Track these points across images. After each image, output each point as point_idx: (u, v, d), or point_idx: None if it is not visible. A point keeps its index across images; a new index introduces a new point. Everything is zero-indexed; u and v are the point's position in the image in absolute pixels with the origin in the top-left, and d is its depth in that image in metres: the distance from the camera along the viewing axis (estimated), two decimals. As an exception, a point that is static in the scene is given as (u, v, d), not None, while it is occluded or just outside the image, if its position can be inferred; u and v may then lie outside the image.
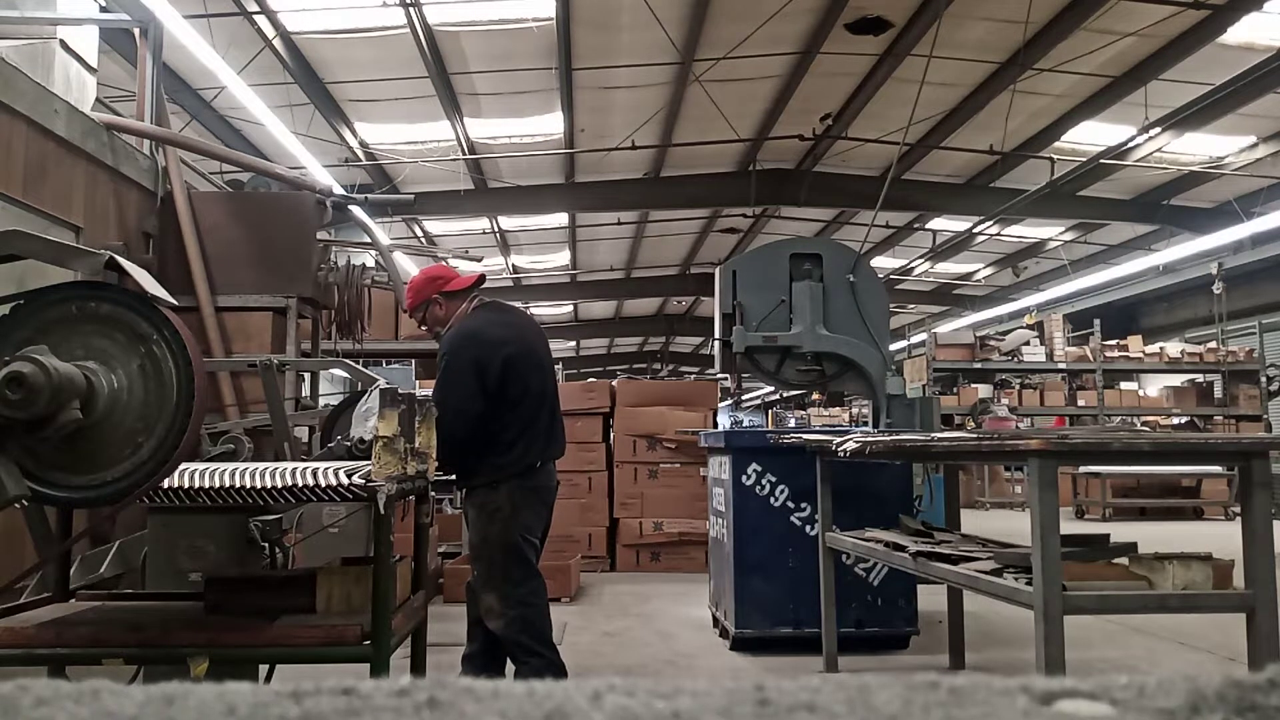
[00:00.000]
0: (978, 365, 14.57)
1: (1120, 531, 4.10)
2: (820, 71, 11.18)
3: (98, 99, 5.96)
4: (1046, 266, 20.33)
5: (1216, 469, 12.99)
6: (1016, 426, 11.73)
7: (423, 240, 17.44)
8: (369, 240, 7.36)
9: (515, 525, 3.67)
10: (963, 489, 6.80)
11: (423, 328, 4.06)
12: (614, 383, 9.27)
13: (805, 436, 4.94)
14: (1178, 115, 11.37)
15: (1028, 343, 14.84)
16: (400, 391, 2.84)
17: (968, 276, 21.79)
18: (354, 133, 12.34)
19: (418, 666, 3.47)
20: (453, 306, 3.90)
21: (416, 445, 2.95)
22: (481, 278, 4.04)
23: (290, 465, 2.89)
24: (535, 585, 3.71)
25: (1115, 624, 5.57)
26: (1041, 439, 3.01)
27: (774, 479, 4.97)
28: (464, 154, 12.99)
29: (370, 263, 6.80)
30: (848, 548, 4.40)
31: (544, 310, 23.79)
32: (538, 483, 3.76)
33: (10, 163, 4.56)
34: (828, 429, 6.70)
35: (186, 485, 2.63)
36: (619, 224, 17.16)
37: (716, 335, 5.57)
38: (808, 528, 4.91)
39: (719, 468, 5.37)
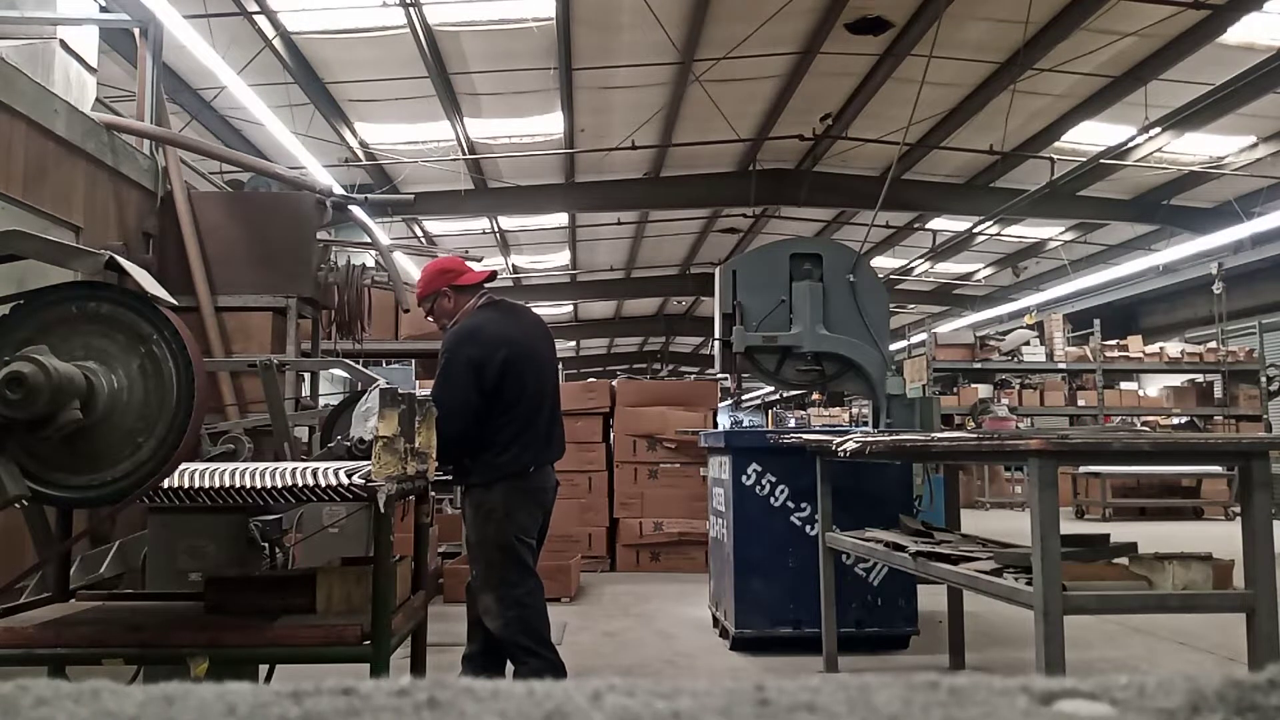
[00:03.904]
0: (978, 365, 14.57)
1: (1120, 531, 4.10)
2: (820, 71, 11.18)
3: (98, 99, 5.96)
4: (1046, 266, 20.33)
5: (1216, 469, 12.99)
6: (1016, 426, 11.73)
7: (423, 240, 17.44)
8: (369, 240, 7.36)
9: (510, 526, 3.66)
10: (963, 489, 6.80)
11: (429, 319, 4.07)
12: (614, 383, 9.27)
13: (805, 436, 4.94)
14: (1178, 115, 11.38)
15: (1028, 343, 14.84)
16: (400, 391, 2.84)
17: (968, 276, 21.79)
18: (354, 133, 12.34)
19: (418, 666, 3.47)
20: (461, 300, 3.89)
21: (416, 445, 2.95)
22: (493, 274, 4.02)
23: (290, 465, 2.89)
24: (532, 586, 3.71)
25: (1115, 624, 5.56)
26: (1041, 439, 3.01)
27: (774, 479, 4.97)
28: (464, 154, 12.99)
29: (370, 263, 6.80)
30: (848, 548, 4.40)
31: (544, 310, 23.74)
32: (533, 484, 3.74)
33: (10, 163, 4.56)
34: (828, 429, 6.70)
35: (186, 485, 2.63)
36: (619, 224, 17.16)
37: (716, 335, 5.57)
38: (808, 528, 4.91)
39: (719, 468, 5.37)
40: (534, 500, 3.75)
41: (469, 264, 4.13)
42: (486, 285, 3.98)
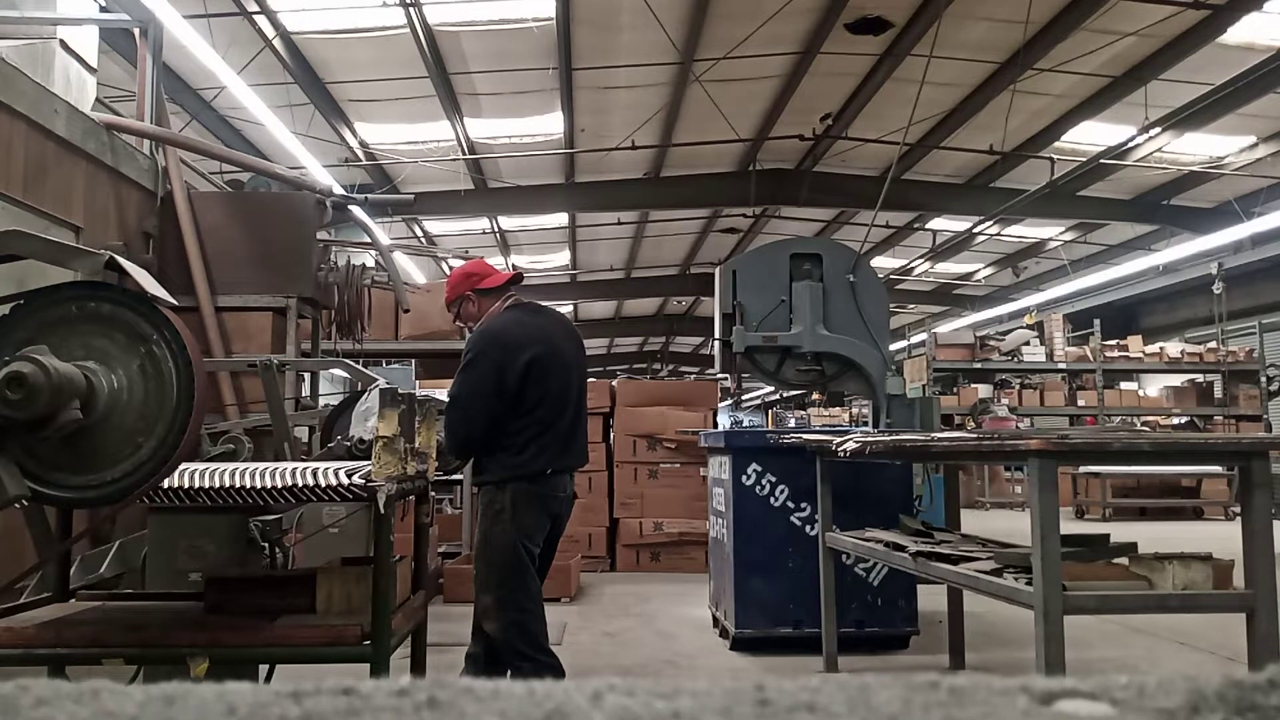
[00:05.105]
0: (978, 365, 14.57)
1: (1120, 531, 4.10)
2: (820, 71, 11.18)
3: (98, 99, 5.96)
4: (1046, 266, 20.33)
5: (1216, 469, 12.99)
6: (1016, 426, 11.73)
7: (423, 240, 17.44)
8: (369, 240, 7.36)
9: (515, 528, 3.65)
10: (963, 489, 6.80)
11: (457, 323, 4.07)
12: (614, 383, 9.27)
13: (805, 436, 4.94)
14: (1178, 115, 11.37)
15: (1028, 343, 14.85)
16: (400, 391, 2.84)
17: (968, 276, 21.79)
18: (354, 133, 12.34)
19: (418, 666, 3.47)
20: (485, 304, 3.88)
21: (416, 445, 2.95)
22: (517, 276, 4.00)
23: (290, 465, 2.90)
24: (531, 590, 3.69)
25: (1115, 624, 5.57)
26: (1041, 439, 3.01)
27: (774, 479, 4.97)
28: (464, 154, 12.99)
29: (370, 263, 6.80)
30: (848, 548, 4.40)
31: (544, 310, 23.73)
32: (544, 490, 3.68)
33: (10, 163, 4.56)
34: (828, 429, 6.70)
35: (186, 485, 2.64)
36: (619, 224, 17.16)
37: (716, 335, 5.57)
38: (808, 528, 4.91)
39: (719, 468, 5.37)
40: (542, 505, 3.69)
41: (492, 266, 4.11)
42: (513, 287, 3.97)
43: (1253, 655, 2.87)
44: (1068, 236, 18.26)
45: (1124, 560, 3.14)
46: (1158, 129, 11.71)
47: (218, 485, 2.64)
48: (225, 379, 5.49)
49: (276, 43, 9.65)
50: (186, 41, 7.31)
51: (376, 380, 3.84)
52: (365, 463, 2.78)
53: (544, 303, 4.27)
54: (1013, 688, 0.50)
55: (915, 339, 17.81)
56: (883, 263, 19.08)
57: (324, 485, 2.66)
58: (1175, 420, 15.23)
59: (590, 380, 9.58)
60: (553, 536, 3.84)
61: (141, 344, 2.22)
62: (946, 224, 17.38)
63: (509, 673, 3.68)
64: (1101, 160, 12.37)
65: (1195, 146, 13.04)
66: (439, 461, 3.52)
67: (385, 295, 7.41)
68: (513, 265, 19.85)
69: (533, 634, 3.65)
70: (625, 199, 15.06)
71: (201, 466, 2.79)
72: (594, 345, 30.99)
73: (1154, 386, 17.27)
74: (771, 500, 4.97)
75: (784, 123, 12.69)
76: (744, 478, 4.98)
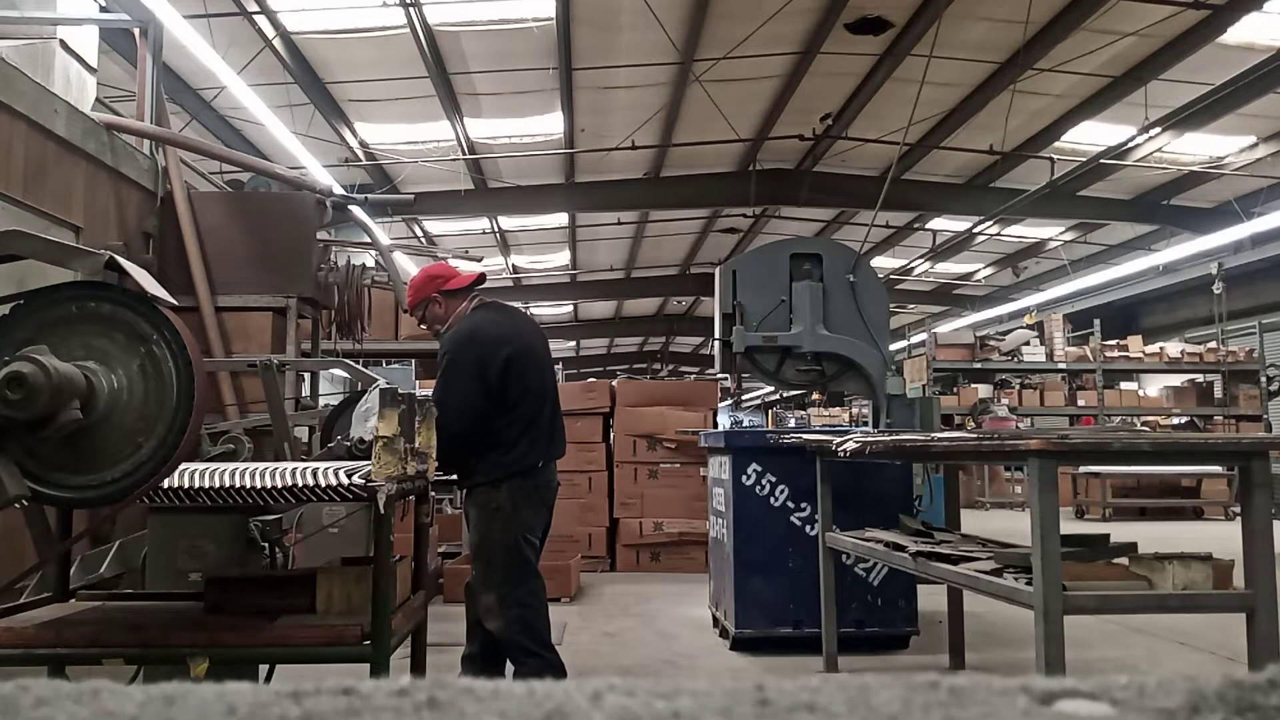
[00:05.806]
0: (978, 365, 14.57)
1: (1120, 531, 4.10)
2: (820, 71, 11.18)
3: (98, 99, 5.96)
4: (1046, 266, 20.33)
5: (1216, 469, 12.99)
6: (1016, 426, 11.73)
7: (423, 240, 17.44)
8: (369, 240, 7.36)
9: (515, 525, 3.67)
10: (963, 489, 6.80)
11: (422, 326, 4.08)
12: (614, 383, 9.27)
13: (805, 436, 4.94)
14: (1178, 115, 11.37)
15: (1028, 343, 14.85)
16: (400, 391, 2.84)
17: (968, 276, 21.79)
18: (354, 133, 12.34)
19: (418, 666, 3.47)
20: (452, 305, 3.91)
21: (416, 445, 2.95)
22: (481, 277, 4.05)
23: (290, 465, 2.89)
24: (534, 586, 3.71)
25: (1115, 624, 5.56)
26: (1041, 439, 3.01)
27: (774, 479, 4.97)
28: (464, 154, 12.99)
29: (370, 263, 6.81)
30: (848, 548, 4.40)
31: (544, 310, 23.79)
32: (538, 482, 3.76)
33: (10, 163, 4.56)
34: (828, 429, 6.70)
35: (186, 485, 2.63)
36: (619, 224, 17.16)
37: (716, 335, 5.57)
38: (808, 528, 4.91)
39: (719, 468, 5.37)
40: (539, 498, 3.77)
41: (457, 267, 4.16)
42: (477, 288, 4.00)
43: (1253, 655, 2.87)
44: (1068, 236, 18.26)
45: (1124, 560, 3.14)
46: (1158, 129, 11.71)
47: (218, 485, 2.64)
48: (225, 379, 5.49)
49: (276, 43, 9.65)
50: (186, 41, 7.30)
51: (376, 380, 3.84)
52: (365, 463, 2.78)
53: (507, 302, 4.32)
54: (1013, 688, 0.50)
55: (915, 339, 17.81)
56: (883, 263, 19.08)
57: (324, 485, 2.66)
58: (1175, 420, 15.23)
59: (590, 380, 9.60)
60: (545, 526, 3.88)
61: (141, 344, 2.22)
62: (946, 224, 17.38)
63: (513, 670, 3.69)
64: (1101, 160, 12.37)
65: (1195, 146, 13.04)
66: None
67: (385, 295, 7.42)
68: (513, 265, 19.87)
69: (537, 630, 3.67)
70: (625, 199, 15.06)
71: (201, 466, 2.79)
72: (594, 345, 31.02)
73: (1154, 386, 17.27)
74: (771, 500, 4.97)
75: (784, 123, 12.69)
76: (744, 478, 4.98)
